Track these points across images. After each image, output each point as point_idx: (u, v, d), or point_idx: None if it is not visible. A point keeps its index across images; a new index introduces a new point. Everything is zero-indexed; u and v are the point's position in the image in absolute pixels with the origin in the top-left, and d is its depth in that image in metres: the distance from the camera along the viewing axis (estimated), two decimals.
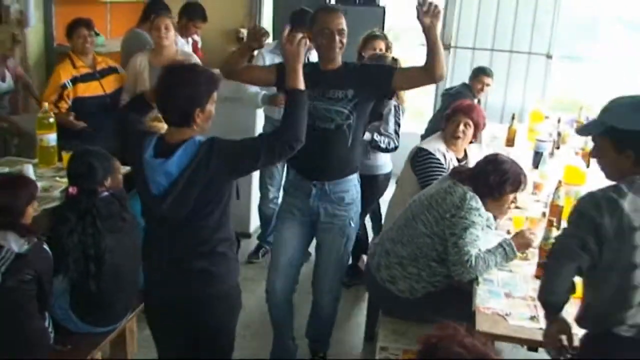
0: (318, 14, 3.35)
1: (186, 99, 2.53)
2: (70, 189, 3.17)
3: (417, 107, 7.18)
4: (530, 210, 3.97)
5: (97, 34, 5.05)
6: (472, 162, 4.02)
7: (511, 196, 3.30)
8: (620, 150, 2.33)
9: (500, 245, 3.22)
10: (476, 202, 3.20)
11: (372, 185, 4.53)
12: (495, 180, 3.24)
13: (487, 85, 6.14)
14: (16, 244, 2.80)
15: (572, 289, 2.39)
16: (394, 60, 4.53)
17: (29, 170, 4.00)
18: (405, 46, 7.51)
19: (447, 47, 7.46)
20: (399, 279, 3.28)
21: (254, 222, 5.78)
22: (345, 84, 3.32)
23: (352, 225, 3.61)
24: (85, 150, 3.25)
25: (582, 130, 2.62)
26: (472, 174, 3.33)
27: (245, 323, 4.37)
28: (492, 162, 3.32)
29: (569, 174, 4.37)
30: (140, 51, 4.96)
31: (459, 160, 4.06)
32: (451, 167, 3.90)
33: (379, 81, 3.31)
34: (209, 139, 2.60)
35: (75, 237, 3.08)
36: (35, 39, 5.91)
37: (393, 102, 4.47)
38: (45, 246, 2.95)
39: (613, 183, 2.37)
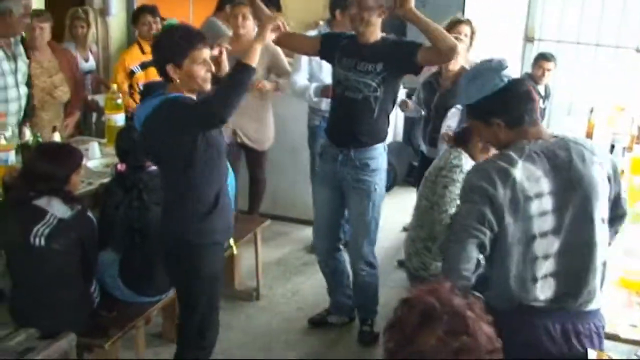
0: None
1: (159, 55, 2.76)
2: (119, 166, 3.30)
3: None
4: None
5: (163, 20, 5.20)
6: None
7: None
8: (488, 122, 2.26)
9: None
10: (459, 160, 3.15)
11: None
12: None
13: (548, 70, 5.94)
14: (60, 210, 2.92)
15: (477, 267, 2.23)
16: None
17: (95, 148, 4.17)
18: (485, 34, 7.33)
19: (531, 40, 7.24)
20: (430, 265, 3.21)
21: None
22: (376, 57, 3.50)
23: (377, 191, 3.73)
24: (132, 127, 3.36)
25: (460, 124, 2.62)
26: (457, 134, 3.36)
27: (297, 305, 4.44)
28: None
29: (635, 165, 4.16)
30: (214, 40, 5.05)
31: None
32: None
33: (405, 56, 3.46)
34: (171, 97, 2.76)
35: (121, 211, 3.21)
36: (117, 28, 6.15)
37: None
38: (90, 214, 3.07)
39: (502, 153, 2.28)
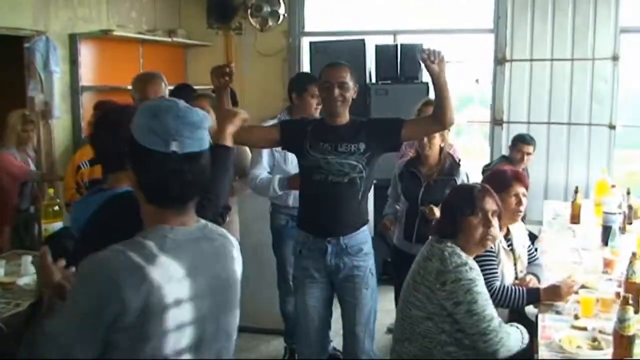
0: (323, 69, 3.43)
1: None
2: None
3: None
4: (602, 291, 3.34)
5: None
6: (516, 235, 3.53)
7: (488, 207, 2.86)
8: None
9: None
10: (459, 257, 2.75)
11: None
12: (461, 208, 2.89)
13: (528, 154, 5.64)
14: None
15: None
16: None
17: (27, 262, 3.68)
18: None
19: (499, 123, 6.98)
20: None
21: None
22: (356, 137, 3.34)
23: (374, 275, 3.53)
24: (61, 234, 2.86)
25: None
26: (443, 222, 2.98)
27: None
28: (449, 199, 3.07)
29: None
30: None
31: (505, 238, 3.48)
32: (501, 247, 3.34)
33: (389, 133, 3.37)
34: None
35: None
36: (62, 131, 5.73)
37: (465, 171, 4.16)
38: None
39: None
